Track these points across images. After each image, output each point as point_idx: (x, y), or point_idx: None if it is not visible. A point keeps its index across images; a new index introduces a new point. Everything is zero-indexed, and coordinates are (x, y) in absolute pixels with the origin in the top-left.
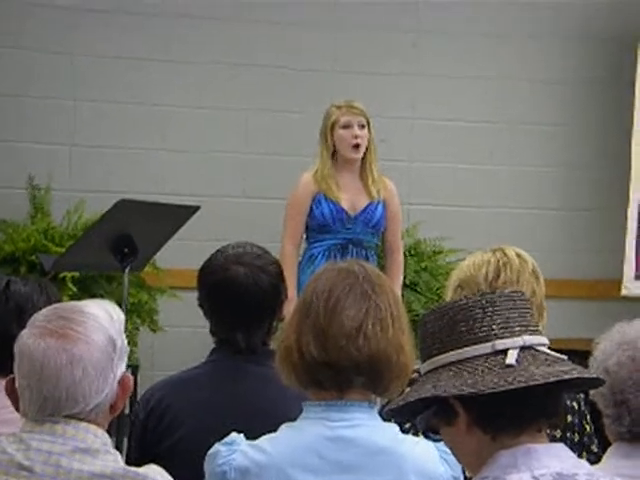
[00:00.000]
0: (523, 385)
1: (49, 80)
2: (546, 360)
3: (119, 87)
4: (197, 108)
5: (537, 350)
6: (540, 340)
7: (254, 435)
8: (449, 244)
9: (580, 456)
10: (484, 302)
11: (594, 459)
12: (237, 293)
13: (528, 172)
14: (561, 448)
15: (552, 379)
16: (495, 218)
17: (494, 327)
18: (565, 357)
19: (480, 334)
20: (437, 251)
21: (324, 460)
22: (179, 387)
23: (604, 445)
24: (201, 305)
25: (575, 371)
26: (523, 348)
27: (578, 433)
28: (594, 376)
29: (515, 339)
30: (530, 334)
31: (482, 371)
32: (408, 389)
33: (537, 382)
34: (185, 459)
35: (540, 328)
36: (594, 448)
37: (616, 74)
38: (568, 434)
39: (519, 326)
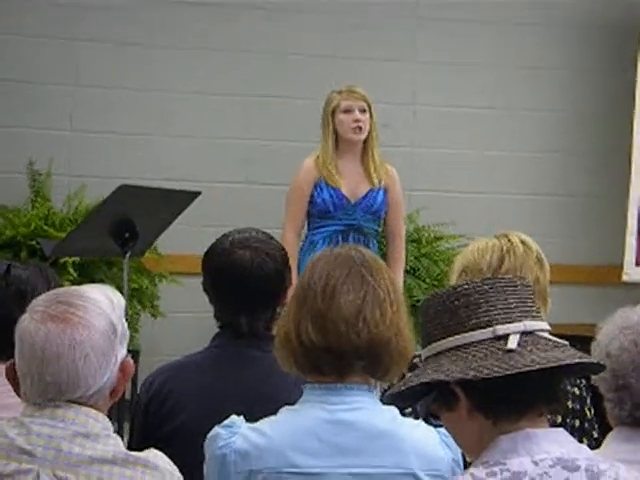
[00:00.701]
0: (523, 370)
1: (50, 65)
2: (547, 345)
3: (120, 73)
4: (199, 94)
5: (538, 335)
6: (541, 325)
7: (256, 420)
8: (450, 230)
9: (581, 442)
10: (485, 287)
11: (595, 445)
12: (242, 277)
13: (529, 158)
14: (561, 433)
15: (552, 364)
16: (496, 204)
17: (495, 312)
18: (566, 342)
19: (481, 319)
20: (438, 237)
21: (324, 443)
22: (181, 372)
23: (605, 431)
24: (205, 290)
25: (576, 356)
26: (524, 333)
27: (579, 419)
28: (595, 361)
29: (516, 324)
30: (531, 319)
31: (483, 356)
32: (409, 374)
33: (537, 367)
34: (186, 443)
35: (541, 314)
36: (595, 434)
37: (617, 60)
38: (569, 420)
39: (520, 311)
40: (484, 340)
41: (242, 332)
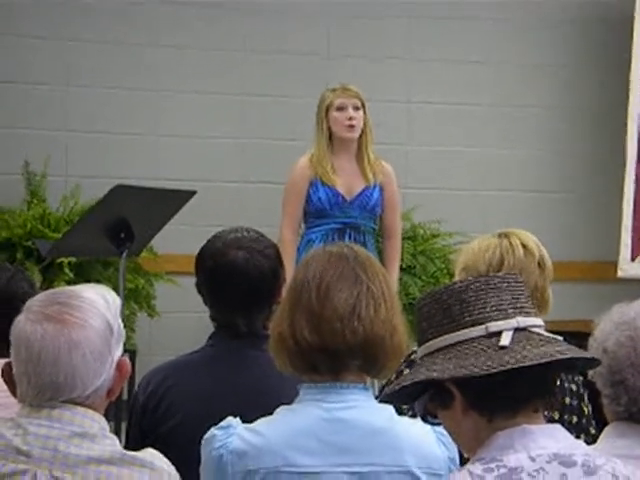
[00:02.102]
0: (517, 366)
1: (44, 66)
2: (540, 341)
3: (114, 73)
4: (194, 93)
5: (531, 331)
6: (534, 321)
7: (253, 419)
8: (446, 227)
9: (578, 438)
10: (477, 285)
11: (592, 441)
12: (237, 277)
13: (524, 155)
14: (558, 429)
15: (545, 359)
16: (491, 201)
17: (487, 310)
18: (560, 337)
19: (474, 317)
20: (434, 234)
21: (321, 442)
22: (178, 372)
23: (602, 427)
24: (200, 291)
25: (569, 351)
26: (517, 330)
27: (576, 415)
28: (589, 356)
29: (509, 321)
30: (524, 316)
31: (476, 353)
32: (407, 371)
33: (530, 363)
34: (184, 443)
35: (535, 310)
36: (592, 430)
37: (611, 56)
38: (566, 416)
39: (513, 308)
40: (477, 337)
41: (241, 332)
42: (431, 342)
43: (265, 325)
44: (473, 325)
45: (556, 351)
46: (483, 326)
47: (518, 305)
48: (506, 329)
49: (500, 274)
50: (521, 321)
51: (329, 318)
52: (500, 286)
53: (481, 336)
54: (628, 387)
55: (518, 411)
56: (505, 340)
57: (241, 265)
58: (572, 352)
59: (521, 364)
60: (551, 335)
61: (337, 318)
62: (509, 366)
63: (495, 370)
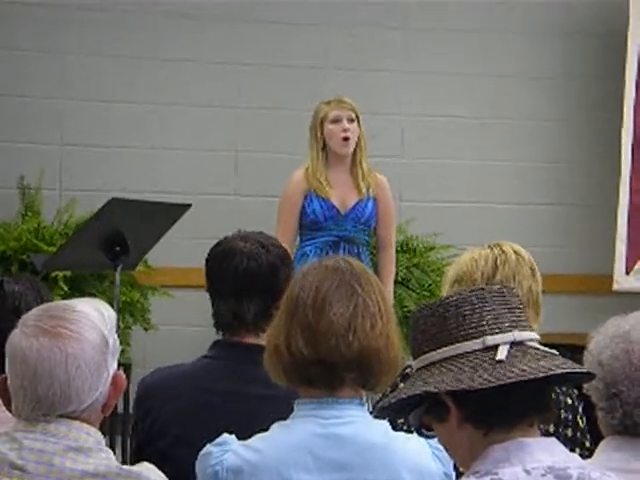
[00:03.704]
0: (513, 380)
1: (39, 79)
2: (536, 355)
3: (109, 86)
4: (188, 106)
5: (527, 345)
6: (530, 335)
7: (249, 436)
8: (440, 240)
9: (573, 451)
10: (474, 299)
11: (587, 454)
12: (232, 259)
13: (519, 168)
14: (553, 442)
15: (541, 374)
16: (486, 214)
17: (484, 323)
18: (555, 352)
19: (470, 330)
20: (429, 247)
21: (317, 458)
22: (175, 385)
23: (597, 440)
24: (208, 290)
25: (565, 365)
26: (513, 344)
27: (571, 428)
28: (584, 370)
29: (505, 335)
30: (520, 330)
31: (473, 367)
32: (402, 385)
33: (526, 377)
34: (180, 459)
35: (530, 323)
36: (587, 443)
37: (606, 70)
38: (561, 429)
39: (509, 322)
40: (474, 351)
41: (228, 322)
42: (427, 355)
43: (257, 322)
44: (470, 339)
45: (553, 365)
46: (480, 340)
47: (514, 318)
48: (503, 343)
49: (496, 287)
50: (517, 335)
51: (325, 332)
52: (496, 299)
53: (478, 350)
54: (623, 400)
55: (514, 425)
56: (502, 354)
57: (240, 250)
58: (569, 367)
59: (518, 378)
60: (547, 349)
61: (333, 332)
62: (507, 380)
63: (492, 384)
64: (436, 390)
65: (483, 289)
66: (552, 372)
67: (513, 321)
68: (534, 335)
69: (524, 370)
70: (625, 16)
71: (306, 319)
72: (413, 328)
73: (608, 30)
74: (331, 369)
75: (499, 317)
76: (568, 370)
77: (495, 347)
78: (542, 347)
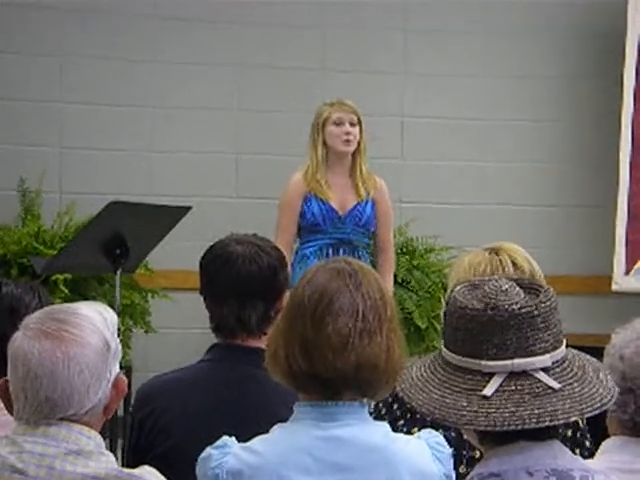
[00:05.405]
0: (482, 429)
1: (38, 83)
2: (530, 392)
3: (108, 89)
4: (187, 109)
5: (527, 376)
6: (534, 363)
7: (251, 437)
8: (441, 242)
9: (573, 452)
10: (484, 319)
11: (587, 455)
12: (231, 264)
13: (518, 169)
14: (556, 444)
15: (511, 428)
16: (486, 215)
17: (486, 347)
18: (558, 386)
19: (472, 348)
20: (429, 249)
21: (317, 460)
22: (175, 389)
23: (597, 441)
24: (201, 291)
25: (546, 414)
26: (512, 374)
27: (572, 429)
28: (577, 411)
29: (504, 362)
30: (523, 357)
31: (463, 393)
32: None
33: (496, 429)
34: (181, 462)
35: (545, 345)
36: (587, 444)
37: (606, 70)
38: (561, 430)
39: (515, 348)
40: (472, 371)
41: (230, 326)
42: (444, 350)
43: (259, 326)
44: (471, 357)
45: (532, 415)
46: (479, 361)
47: (520, 343)
48: (498, 372)
49: (511, 307)
50: (516, 364)
51: (321, 347)
52: (509, 322)
53: (475, 370)
54: (638, 396)
55: (511, 441)
56: (490, 389)
57: (239, 254)
58: (550, 415)
59: (487, 429)
60: (547, 381)
61: (329, 348)
62: (478, 428)
63: (468, 427)
64: (430, 416)
65: (496, 308)
66: (521, 426)
67: (519, 347)
68: (540, 361)
69: (496, 419)
70: (624, 16)
71: (304, 331)
72: (443, 316)
73: (608, 30)
74: (327, 383)
75: (505, 342)
76: (539, 425)
77: (491, 375)
78: (544, 378)
